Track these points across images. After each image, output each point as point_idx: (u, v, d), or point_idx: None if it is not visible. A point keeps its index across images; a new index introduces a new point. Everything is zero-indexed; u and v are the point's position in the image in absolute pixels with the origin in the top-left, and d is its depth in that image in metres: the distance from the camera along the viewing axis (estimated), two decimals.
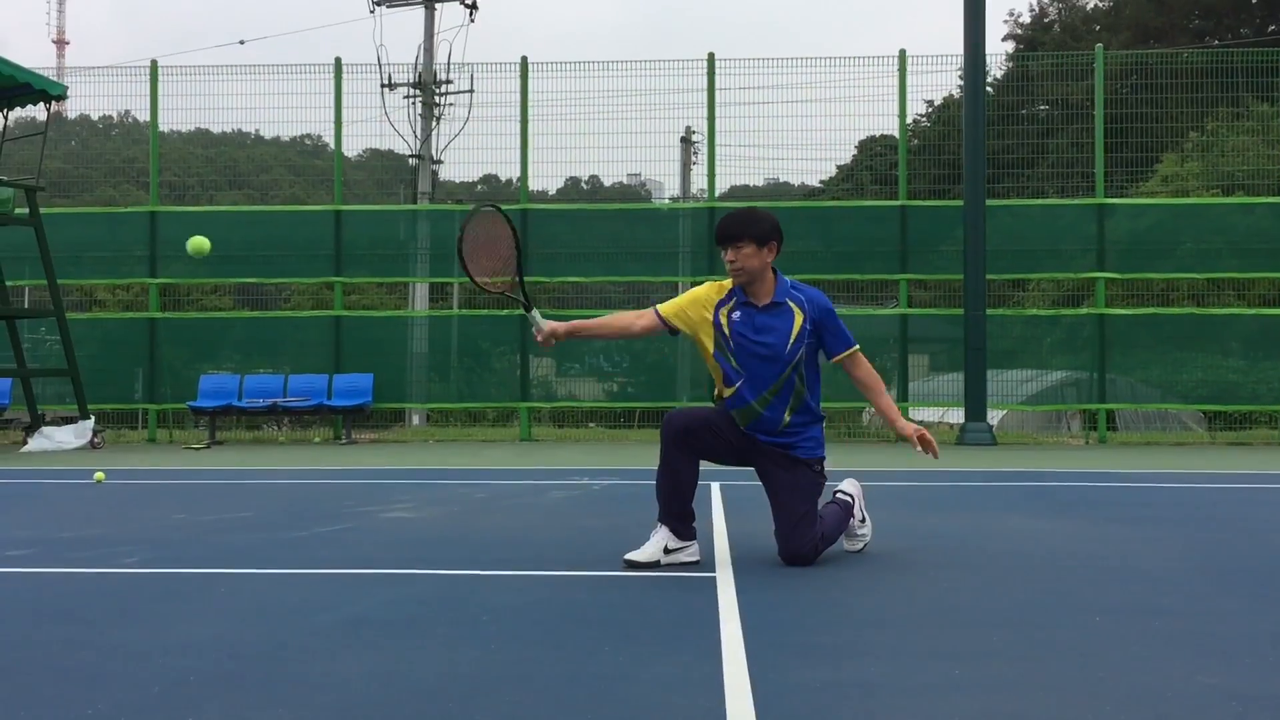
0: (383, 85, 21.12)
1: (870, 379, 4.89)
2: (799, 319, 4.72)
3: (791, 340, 4.70)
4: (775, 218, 4.80)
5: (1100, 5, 39.11)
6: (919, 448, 4.82)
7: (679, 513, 4.72)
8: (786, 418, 4.72)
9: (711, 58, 15.52)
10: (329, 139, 16.46)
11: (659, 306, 4.93)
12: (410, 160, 23.40)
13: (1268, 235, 14.94)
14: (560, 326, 4.87)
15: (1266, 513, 7.07)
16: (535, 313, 4.92)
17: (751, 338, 4.71)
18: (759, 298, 4.76)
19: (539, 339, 4.87)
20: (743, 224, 4.72)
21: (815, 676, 2.98)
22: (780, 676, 2.97)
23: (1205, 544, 5.53)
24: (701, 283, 5.08)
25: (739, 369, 4.74)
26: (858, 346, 4.87)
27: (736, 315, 4.76)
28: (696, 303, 4.87)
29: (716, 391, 4.89)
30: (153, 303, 15.83)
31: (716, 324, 4.79)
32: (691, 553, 4.75)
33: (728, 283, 4.86)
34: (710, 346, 4.82)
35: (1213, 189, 17.44)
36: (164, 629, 3.61)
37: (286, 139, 20.61)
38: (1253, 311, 15.12)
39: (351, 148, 17.08)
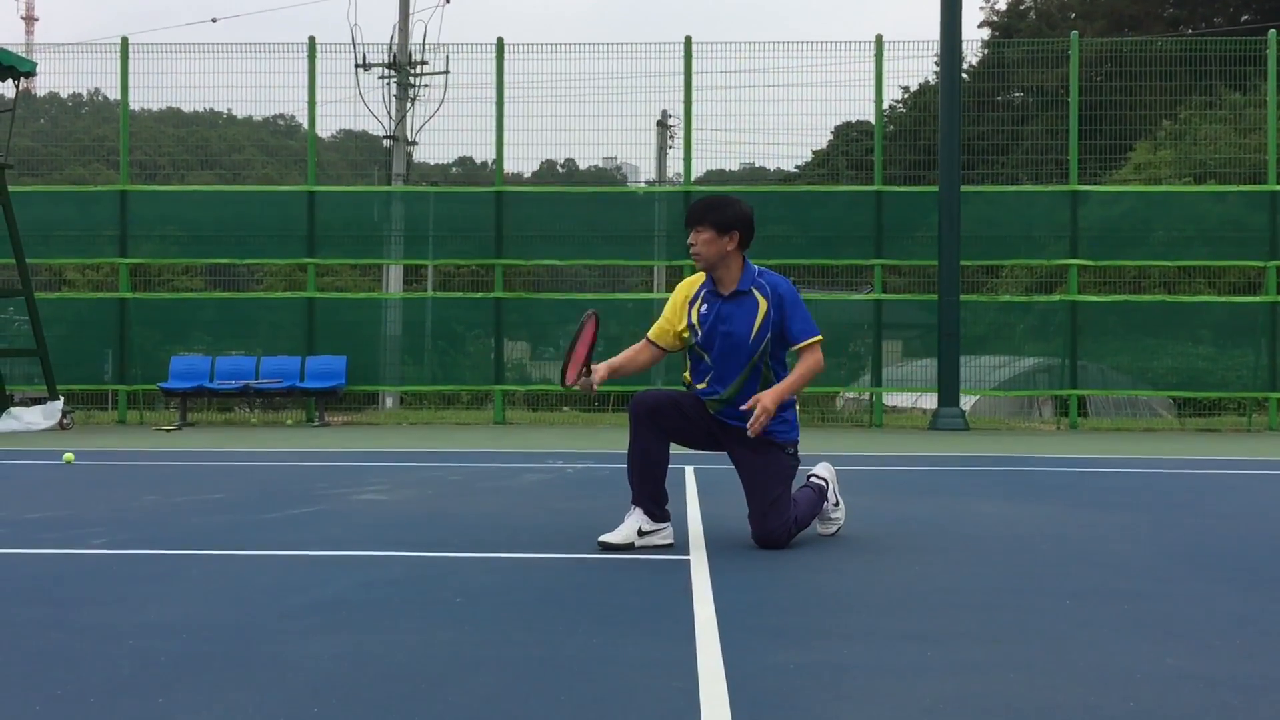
0: (357, 65, 20.94)
1: (807, 370, 4.74)
2: (763, 307, 4.72)
3: (755, 330, 4.69)
4: (747, 208, 4.77)
5: None
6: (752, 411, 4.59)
7: (652, 495, 4.72)
8: None
9: (688, 41, 15.49)
10: (302, 119, 16.32)
11: (650, 334, 4.93)
12: (384, 141, 23.24)
13: (1239, 224, 15.05)
14: (602, 374, 4.76)
15: (1234, 498, 7.14)
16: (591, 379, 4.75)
17: (717, 328, 4.71)
18: (725, 286, 4.77)
19: (585, 385, 4.75)
20: (706, 210, 4.72)
21: (788, 658, 2.99)
22: (753, 658, 2.98)
23: (1174, 529, 5.58)
24: (678, 268, 5.07)
25: (709, 363, 4.74)
26: (820, 338, 4.77)
27: (704, 308, 4.76)
28: (674, 308, 4.87)
29: (684, 376, 4.90)
30: (123, 283, 15.68)
31: (689, 321, 4.80)
32: (665, 535, 4.76)
33: (700, 276, 4.87)
34: (686, 336, 4.83)
35: (1185, 177, 17.54)
36: (134, 610, 3.59)
37: (259, 119, 20.45)
38: (1223, 299, 15.25)
39: (325, 128, 16.95)
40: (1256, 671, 2.89)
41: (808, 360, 4.77)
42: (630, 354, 4.97)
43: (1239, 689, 2.73)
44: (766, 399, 4.58)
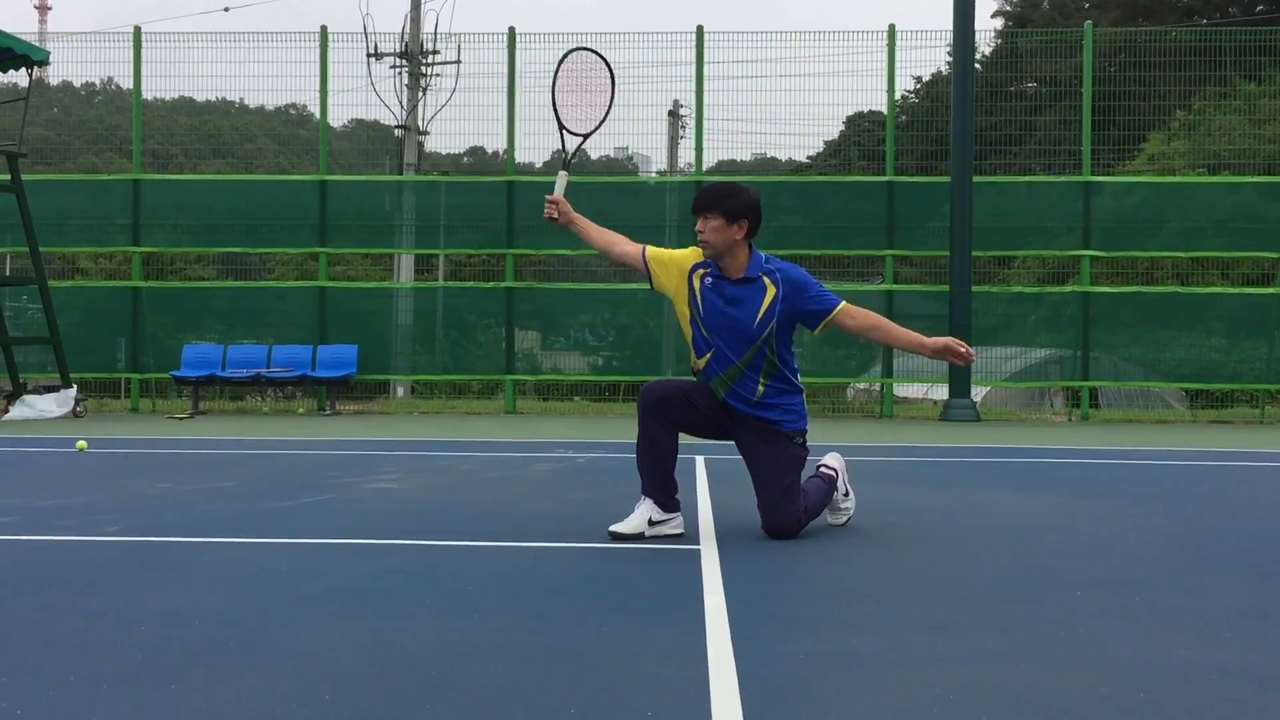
0: (369, 55, 20.98)
1: (870, 321, 4.81)
2: (770, 293, 4.70)
3: (760, 316, 4.68)
4: (756, 196, 4.74)
5: None
6: (951, 359, 4.73)
7: (662, 485, 4.72)
8: (761, 387, 4.72)
9: (700, 31, 15.45)
10: (314, 108, 16.33)
11: (649, 249, 4.98)
12: (396, 131, 23.28)
13: (1252, 215, 14.98)
14: (569, 211, 4.95)
15: (1246, 489, 7.12)
16: (564, 175, 4.96)
17: (720, 309, 4.71)
18: (731, 272, 4.75)
19: (549, 207, 4.92)
20: (716, 197, 4.70)
21: (798, 648, 2.99)
22: (763, 648, 2.99)
23: (1186, 520, 5.57)
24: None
25: (708, 338, 4.73)
26: (843, 304, 4.76)
27: (708, 281, 4.75)
28: (676, 263, 4.86)
29: (693, 363, 4.90)
30: (136, 271, 15.72)
31: (690, 286, 4.78)
32: (676, 525, 4.76)
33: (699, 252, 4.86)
34: (686, 311, 4.83)
35: (1199, 168, 17.47)
36: (147, 597, 3.61)
37: (271, 108, 20.45)
38: (1236, 290, 15.18)
39: (337, 118, 16.96)
40: (1268, 663, 2.88)
41: (863, 316, 4.82)
42: (611, 236, 5.06)
43: (1251, 680, 2.72)
44: (939, 341, 4.73)
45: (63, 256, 17.21)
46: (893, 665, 2.84)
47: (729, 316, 4.69)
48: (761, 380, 4.71)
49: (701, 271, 4.79)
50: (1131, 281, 15.45)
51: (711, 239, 4.70)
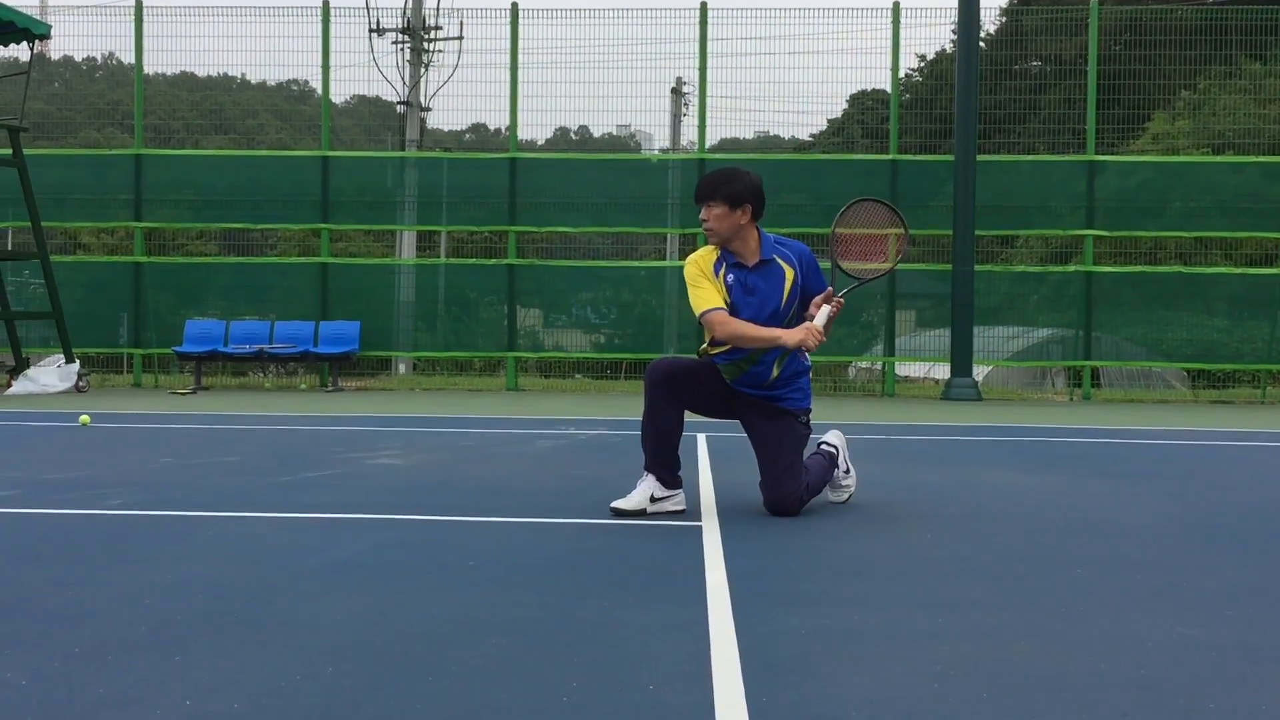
0: (371, 30, 20.93)
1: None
2: (790, 275, 4.70)
3: (785, 298, 4.69)
4: (757, 180, 4.71)
5: None
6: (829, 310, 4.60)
7: (665, 461, 4.73)
8: (775, 371, 4.73)
9: (704, 7, 15.39)
10: (316, 84, 16.30)
11: (717, 304, 4.65)
12: (398, 107, 23.21)
13: (1256, 195, 14.95)
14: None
15: (1246, 469, 7.13)
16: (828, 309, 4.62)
17: (745, 299, 4.69)
18: (746, 258, 4.72)
19: (819, 338, 4.55)
20: (716, 184, 4.66)
21: (798, 623, 3.00)
22: (764, 623, 3.00)
23: (1186, 499, 5.58)
24: (691, 235, 5.01)
25: None
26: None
27: (730, 278, 4.72)
28: (707, 276, 4.71)
29: (703, 347, 4.88)
30: (138, 247, 15.72)
31: (722, 282, 4.74)
32: (677, 501, 4.77)
33: (709, 249, 4.80)
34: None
35: (1203, 148, 17.42)
36: (151, 570, 3.62)
37: (273, 83, 20.44)
38: (1238, 271, 15.17)
39: (339, 93, 16.94)
40: (1267, 640, 2.90)
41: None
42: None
43: (1249, 658, 2.74)
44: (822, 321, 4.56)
45: (64, 231, 17.21)
46: (893, 641, 2.86)
47: (755, 304, 4.68)
48: (777, 365, 4.71)
49: (721, 270, 4.73)
50: (1134, 261, 15.43)
51: (716, 226, 4.67)
